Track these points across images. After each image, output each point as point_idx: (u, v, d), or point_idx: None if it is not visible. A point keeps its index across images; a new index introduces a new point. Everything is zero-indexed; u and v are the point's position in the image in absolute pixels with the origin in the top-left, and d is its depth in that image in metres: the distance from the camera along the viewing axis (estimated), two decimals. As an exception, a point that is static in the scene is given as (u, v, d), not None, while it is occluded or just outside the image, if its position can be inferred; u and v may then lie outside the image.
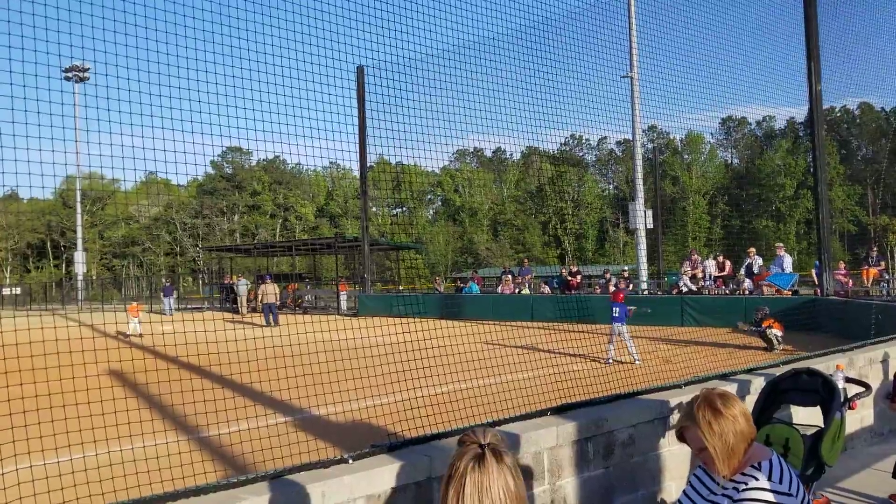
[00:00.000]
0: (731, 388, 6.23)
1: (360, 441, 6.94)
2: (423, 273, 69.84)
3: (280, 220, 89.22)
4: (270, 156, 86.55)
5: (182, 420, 8.86)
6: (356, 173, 67.21)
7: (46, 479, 4.35)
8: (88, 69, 53.24)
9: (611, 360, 14.77)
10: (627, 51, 24.86)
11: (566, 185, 79.92)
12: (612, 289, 21.78)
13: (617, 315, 15.19)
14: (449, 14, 9.19)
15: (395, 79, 8.67)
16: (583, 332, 13.14)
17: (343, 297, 34.01)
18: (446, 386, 8.59)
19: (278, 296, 29.01)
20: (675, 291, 24.92)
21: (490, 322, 23.10)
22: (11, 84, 5.63)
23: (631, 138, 30.25)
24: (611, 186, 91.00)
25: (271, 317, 26.77)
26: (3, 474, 4.37)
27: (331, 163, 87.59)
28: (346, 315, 30.05)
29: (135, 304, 26.51)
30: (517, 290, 28.00)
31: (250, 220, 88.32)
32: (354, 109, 28.55)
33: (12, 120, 5.71)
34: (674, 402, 5.88)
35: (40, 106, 6.02)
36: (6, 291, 61.01)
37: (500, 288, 28.75)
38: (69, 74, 54.02)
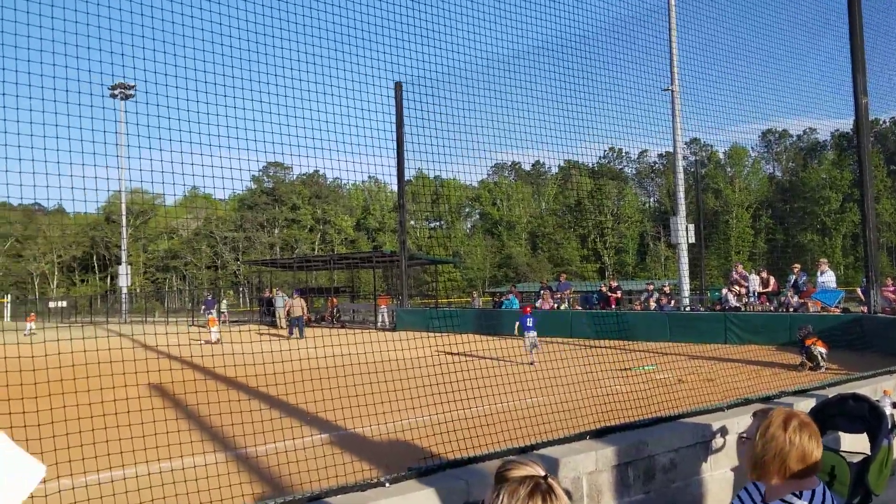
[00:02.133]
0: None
1: (397, 461, 6.87)
2: (461, 287, 69.75)
3: (319, 234, 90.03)
4: (310, 170, 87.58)
5: (220, 436, 8.90)
6: (394, 187, 67.68)
7: (88, 501, 4.36)
8: (134, 87, 54.57)
9: (534, 363, 16.89)
10: (668, 63, 24.59)
11: (605, 199, 79.27)
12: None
13: (530, 325, 18.38)
14: (487, 28, 9.16)
15: (432, 93, 8.65)
16: (622, 349, 12.95)
17: (382, 312, 34.10)
18: (483, 402, 8.49)
19: (305, 309, 29.66)
20: (717, 307, 24.45)
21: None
22: (56, 101, 5.72)
23: (672, 151, 29.85)
24: (651, 200, 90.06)
25: (297, 330, 27.35)
26: (45, 495, 4.40)
27: (369, 177, 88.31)
28: (383, 329, 30.09)
29: (213, 315, 28.42)
30: (556, 306, 27.75)
31: (290, 234, 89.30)
32: (393, 124, 28.72)
33: (58, 136, 5.81)
34: (716, 425, 5.72)
35: (87, 123, 6.12)
36: (52, 304, 62.46)
37: (538, 303, 28.53)
38: (115, 92, 55.34)
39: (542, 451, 5.04)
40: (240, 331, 30.56)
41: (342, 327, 32.52)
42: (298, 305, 28.98)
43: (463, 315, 26.26)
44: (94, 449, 4.88)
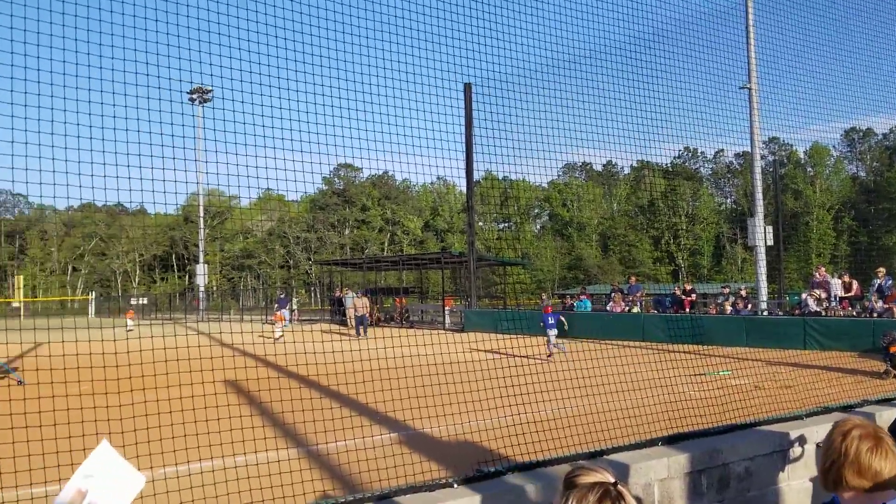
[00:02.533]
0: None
1: (465, 463, 6.88)
2: (529, 289, 69.36)
3: (388, 235, 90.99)
4: (380, 172, 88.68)
5: (292, 432, 9.08)
6: (463, 188, 67.79)
7: (167, 493, 4.52)
8: (211, 91, 56.16)
9: (560, 350, 18.29)
10: (745, 60, 23.91)
11: (680, 200, 77.57)
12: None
13: (552, 322, 19.61)
14: (558, 27, 9.08)
15: (502, 94, 8.63)
16: (696, 354, 12.64)
17: (448, 312, 34.26)
18: (551, 405, 8.42)
19: (368, 308, 30.21)
20: (796, 312, 23.62)
21: (598, 341, 22.62)
22: (138, 108, 5.95)
23: (750, 150, 28.99)
24: (728, 200, 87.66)
25: (361, 329, 28.04)
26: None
27: (438, 178, 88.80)
28: (451, 330, 30.21)
29: (279, 313, 29.15)
30: (627, 309, 27.30)
31: (359, 235, 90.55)
32: (462, 125, 28.72)
33: (139, 141, 6.04)
34: (794, 434, 5.53)
35: (167, 128, 6.34)
36: (134, 301, 64.99)
37: (609, 306, 28.12)
38: (193, 97, 57.22)
39: (612, 457, 4.97)
40: (311, 330, 31.18)
41: (411, 327, 32.79)
42: (361, 305, 29.63)
43: (532, 317, 26.11)
44: (172, 443, 5.05)
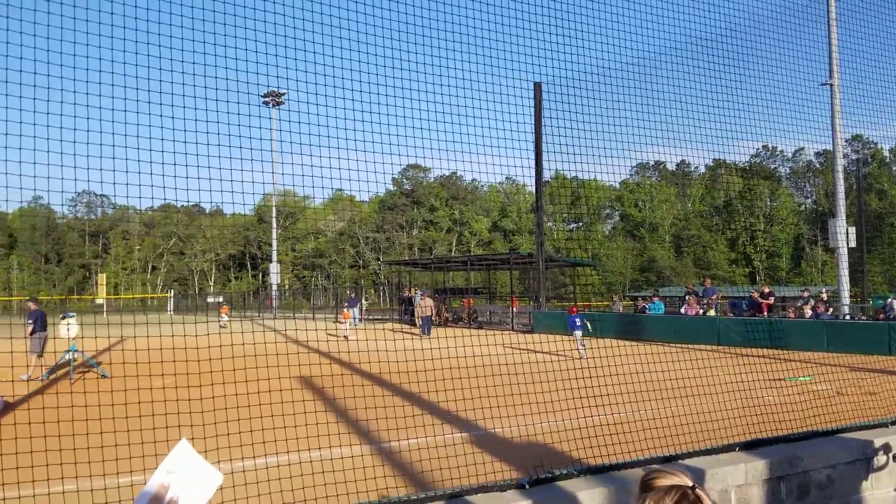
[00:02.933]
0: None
1: (535, 464, 6.84)
2: (600, 290, 68.44)
3: (455, 235, 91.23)
4: (448, 172, 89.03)
5: (363, 429, 9.21)
6: (531, 188, 67.36)
7: (246, 486, 4.65)
8: (284, 94, 57.50)
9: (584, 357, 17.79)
10: (827, 56, 23.04)
11: (757, 200, 75.29)
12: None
13: (579, 324, 20.28)
14: (632, 24, 8.94)
15: (572, 92, 8.54)
16: (775, 358, 12.28)
17: (516, 313, 34.15)
18: (623, 408, 8.30)
19: (433, 309, 30.43)
20: (881, 316, 22.62)
21: (672, 344, 22.16)
22: (217, 111, 6.13)
23: (831, 149, 27.93)
24: (808, 201, 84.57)
25: (426, 328, 28.57)
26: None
27: (506, 178, 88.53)
28: (520, 331, 30.08)
29: (346, 310, 29.76)
30: (703, 312, 26.64)
31: (427, 235, 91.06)
32: (531, 125, 28.58)
33: (219, 143, 6.22)
34: (879, 441, 5.32)
35: (245, 130, 6.51)
36: (210, 299, 66.98)
37: (683, 309, 27.50)
38: (267, 100, 58.62)
39: (688, 462, 4.87)
40: (383, 329, 31.56)
41: (479, 328, 32.81)
42: (427, 305, 29.97)
43: (603, 319, 25.78)
44: (251, 436, 5.18)
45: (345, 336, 26.48)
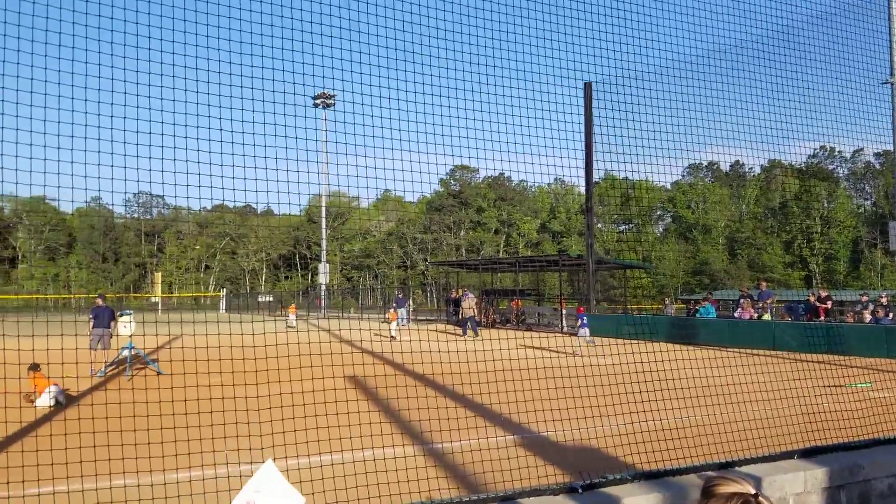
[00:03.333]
0: None
1: (586, 468, 6.77)
2: (651, 293, 67.48)
3: (503, 237, 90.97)
4: (496, 173, 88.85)
5: (412, 430, 9.24)
6: (581, 189, 66.77)
7: (300, 483, 4.71)
8: (334, 96, 58.25)
9: (592, 343, 20.59)
10: (888, 55, 22.34)
11: (814, 201, 73.35)
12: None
13: (585, 322, 22.12)
14: (684, 23, 8.79)
15: (623, 92, 8.44)
16: (833, 364, 11.92)
17: (565, 314, 33.88)
18: (675, 413, 8.15)
19: (475, 310, 30.40)
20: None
21: (725, 349, 21.73)
22: (265, 112, 6.23)
23: (892, 149, 27.07)
24: (867, 203, 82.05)
25: (469, 329, 28.79)
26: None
27: (555, 179, 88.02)
28: (569, 333, 29.85)
29: (393, 311, 29.92)
30: (757, 316, 26.05)
31: (475, 236, 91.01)
32: (580, 125, 28.36)
33: (268, 144, 6.32)
34: (944, 451, 5.12)
35: (294, 132, 6.61)
36: (261, 298, 68.04)
37: (737, 313, 26.94)
38: (318, 101, 59.35)
39: (744, 469, 4.77)
40: (429, 330, 31.66)
41: (528, 330, 32.66)
42: (468, 306, 29.97)
43: (654, 322, 25.42)
44: (305, 434, 5.24)
45: (392, 336, 26.64)
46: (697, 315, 27.79)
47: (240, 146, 5.98)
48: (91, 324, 16.64)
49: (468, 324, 29.07)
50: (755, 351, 20.94)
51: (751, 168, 77.81)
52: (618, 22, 8.26)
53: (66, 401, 12.47)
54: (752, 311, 26.33)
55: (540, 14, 7.88)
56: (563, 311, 34.35)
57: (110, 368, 16.52)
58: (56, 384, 12.30)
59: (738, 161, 73.27)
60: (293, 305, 42.74)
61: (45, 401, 12.29)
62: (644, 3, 8.40)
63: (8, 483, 6.34)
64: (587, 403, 9.28)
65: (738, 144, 9.21)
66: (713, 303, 29.54)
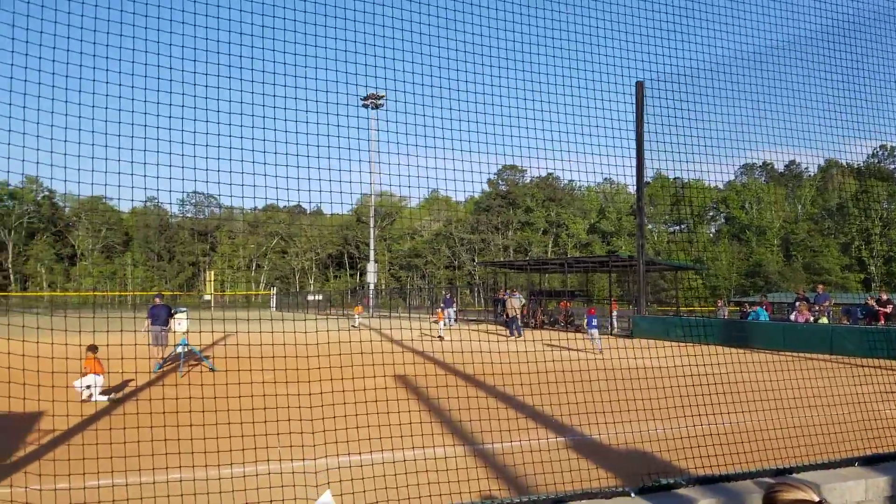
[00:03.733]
0: None
1: (637, 472, 6.67)
2: (703, 295, 66.25)
3: (552, 237, 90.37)
4: (544, 173, 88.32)
5: (459, 429, 9.24)
6: (631, 189, 65.88)
7: (351, 480, 4.73)
8: (384, 96, 58.66)
9: (601, 349, 21.45)
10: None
11: (873, 202, 71.11)
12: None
13: (595, 324, 23.53)
14: (737, 21, 8.62)
15: (675, 92, 8.29)
16: (894, 370, 11.56)
17: (615, 316, 33.48)
18: (728, 418, 8.00)
19: (519, 310, 30.13)
20: None
21: (780, 352, 21.22)
22: (317, 112, 6.29)
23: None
24: (930, 203, 79.20)
25: (515, 330, 28.55)
26: (315, 472, 4.82)
27: (604, 179, 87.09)
28: (619, 335, 29.50)
29: (441, 311, 29.94)
30: (814, 319, 25.37)
31: (523, 237, 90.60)
32: (631, 124, 28.09)
33: (327, 144, 6.38)
34: None
35: (344, 131, 6.68)
36: (311, 297, 68.82)
37: (792, 316, 26.27)
38: (367, 102, 59.80)
39: (801, 476, 4.64)
40: (477, 330, 31.64)
41: (576, 331, 32.38)
42: (514, 307, 29.83)
43: (706, 325, 24.98)
44: (357, 433, 5.28)
45: (440, 336, 26.69)
46: (749, 318, 27.19)
47: (293, 146, 6.08)
48: (148, 322, 17.07)
49: (513, 324, 28.97)
50: (811, 355, 20.39)
51: (806, 168, 75.85)
52: (670, 19, 8.15)
53: (113, 397, 12.69)
54: (809, 314, 25.65)
55: (591, 12, 7.81)
56: (615, 313, 33.93)
57: (166, 364, 16.91)
58: (99, 374, 12.47)
59: (793, 161, 71.49)
60: (358, 306, 42.92)
61: (85, 383, 12.43)
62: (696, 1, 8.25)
63: (69, 475, 6.54)
64: (636, 406, 9.16)
65: (793, 143, 8.99)
66: (767, 306, 28.86)
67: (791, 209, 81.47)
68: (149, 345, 16.54)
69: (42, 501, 5.46)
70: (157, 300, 18.14)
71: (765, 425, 8.58)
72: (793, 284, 62.04)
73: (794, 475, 4.68)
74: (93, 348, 12.43)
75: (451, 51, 7.10)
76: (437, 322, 29.35)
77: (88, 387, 12.50)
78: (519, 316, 31.86)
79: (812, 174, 75.41)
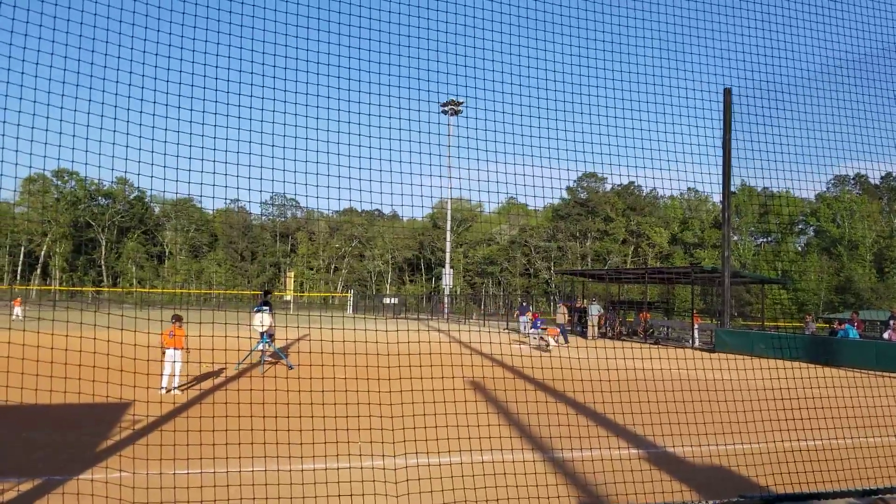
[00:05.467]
0: None
1: (718, 487, 6.54)
2: (790, 310, 63.80)
3: (632, 247, 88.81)
4: (625, 181, 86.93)
5: (531, 435, 9.23)
6: (716, 199, 64.07)
7: (429, 479, 4.80)
8: (462, 103, 58.95)
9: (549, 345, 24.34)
10: None
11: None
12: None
13: (538, 325, 27.38)
14: (830, 29, 8.35)
15: (765, 100, 8.10)
16: None
17: (697, 329, 32.65)
18: (811, 434, 7.72)
19: (566, 317, 29.61)
20: None
21: (872, 372, 20.30)
22: (398, 118, 6.43)
23: None
24: None
25: (561, 338, 27.43)
26: (395, 468, 4.90)
27: (688, 188, 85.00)
28: (701, 349, 28.77)
29: (550, 327, 29.38)
30: (908, 339, 24.13)
31: (602, 246, 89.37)
32: (717, 131, 27.45)
33: (399, 149, 6.53)
34: None
35: (424, 137, 6.79)
36: (386, 301, 69.64)
37: (886, 334, 25.06)
38: (445, 108, 60.27)
39: (889, 497, 4.47)
40: (548, 338, 31.29)
41: (655, 344, 31.74)
42: (561, 314, 29.49)
43: (794, 340, 24.10)
44: (436, 432, 5.37)
45: (548, 350, 25.56)
46: (839, 335, 26.07)
47: (367, 149, 6.24)
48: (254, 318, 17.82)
49: (562, 332, 28.32)
50: (905, 376, 19.44)
51: (905, 180, 72.25)
52: (761, 25, 7.98)
53: (176, 393, 12.74)
54: (904, 333, 24.43)
55: (678, 19, 7.72)
56: (696, 326, 33.08)
57: (247, 359, 17.46)
58: (179, 348, 12.68)
59: (889, 173, 68.16)
60: (18, 298, 39.55)
61: (166, 371, 12.71)
62: (789, 6, 8.05)
63: (160, 460, 6.87)
64: (712, 419, 8.95)
65: (890, 155, 8.65)
66: (859, 324, 27.60)
67: (886, 223, 77.68)
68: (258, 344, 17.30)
69: (135, 485, 5.76)
70: (265, 298, 18.95)
71: (849, 444, 8.25)
72: (886, 302, 59.11)
73: (882, 496, 4.51)
74: (177, 318, 12.77)
75: (532, 59, 7.15)
76: (547, 336, 27.46)
77: (167, 379, 12.65)
78: (596, 325, 31.54)
79: (910, 187, 71.81)
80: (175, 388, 12.75)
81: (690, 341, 32.16)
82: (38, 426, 9.21)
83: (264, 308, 17.54)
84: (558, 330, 28.20)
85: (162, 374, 12.57)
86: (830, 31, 8.28)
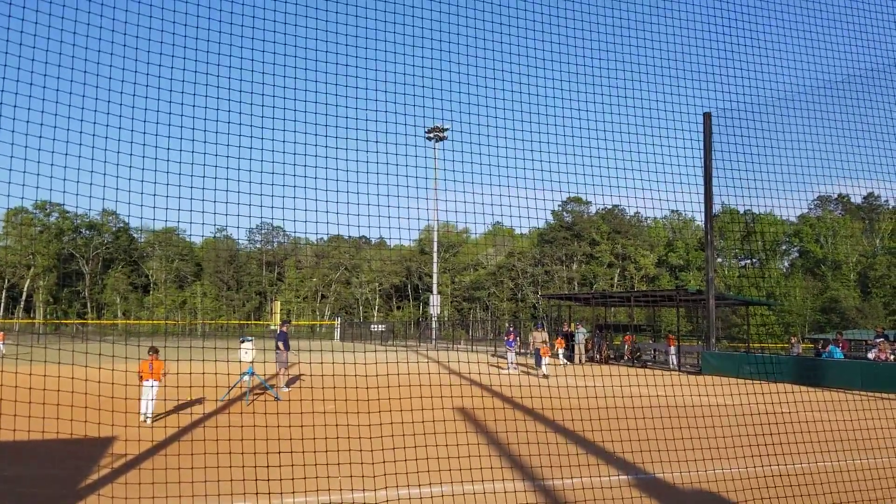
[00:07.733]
0: None
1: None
2: (776, 332, 64.08)
3: (618, 270, 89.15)
4: (609, 205, 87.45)
5: (520, 464, 9.15)
6: (699, 222, 64.48)
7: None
8: (447, 129, 59.35)
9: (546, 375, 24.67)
10: None
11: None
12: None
13: (510, 342, 29.14)
14: (809, 51, 8.47)
15: (743, 124, 8.19)
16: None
17: (673, 352, 32.61)
18: (799, 458, 7.70)
19: (546, 342, 28.66)
20: None
21: (857, 392, 20.36)
22: (381, 142, 6.44)
23: None
24: None
25: (542, 364, 27.04)
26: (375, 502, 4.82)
27: (672, 212, 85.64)
28: (686, 372, 28.77)
29: (547, 347, 28.44)
30: (894, 358, 24.27)
31: (588, 270, 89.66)
32: (698, 153, 27.78)
33: (385, 173, 6.53)
34: None
35: (411, 160, 6.81)
36: (374, 328, 69.34)
37: (871, 354, 25.19)
38: (430, 135, 60.69)
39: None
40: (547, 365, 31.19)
41: (642, 367, 31.73)
42: (540, 339, 28.62)
43: (779, 362, 24.16)
44: (416, 465, 5.30)
45: (545, 375, 25.32)
46: (823, 357, 26.19)
47: (363, 174, 6.24)
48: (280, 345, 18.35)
49: (535, 357, 27.51)
50: (891, 395, 19.50)
51: (886, 200, 73.15)
52: (739, 49, 8.08)
53: (149, 423, 12.62)
54: (889, 352, 24.56)
55: (658, 45, 7.80)
56: (672, 349, 33.05)
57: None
58: (156, 381, 12.70)
59: (871, 193, 69.03)
60: (1, 332, 37.47)
61: (143, 404, 12.71)
62: (767, 31, 8.17)
63: (139, 498, 6.74)
64: (699, 445, 8.91)
65: (871, 176, 8.73)
66: (843, 344, 27.73)
67: (869, 243, 78.44)
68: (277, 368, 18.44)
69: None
70: (283, 327, 19.47)
71: (838, 466, 8.23)
72: (871, 321, 59.50)
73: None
74: (154, 350, 12.80)
75: (515, 83, 7.19)
76: (543, 356, 26.94)
77: (147, 405, 12.64)
78: (583, 349, 31.46)
79: (892, 206, 72.64)
80: (149, 417, 12.68)
81: (669, 364, 32.22)
82: (22, 461, 9.04)
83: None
84: (549, 349, 27.97)
85: (140, 400, 12.62)
86: (809, 55, 8.40)
